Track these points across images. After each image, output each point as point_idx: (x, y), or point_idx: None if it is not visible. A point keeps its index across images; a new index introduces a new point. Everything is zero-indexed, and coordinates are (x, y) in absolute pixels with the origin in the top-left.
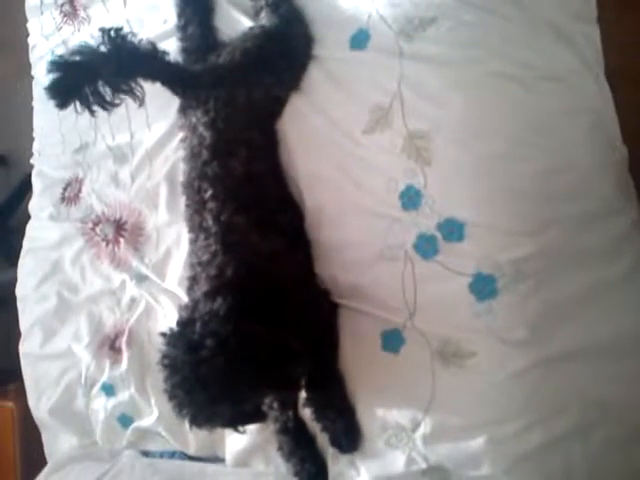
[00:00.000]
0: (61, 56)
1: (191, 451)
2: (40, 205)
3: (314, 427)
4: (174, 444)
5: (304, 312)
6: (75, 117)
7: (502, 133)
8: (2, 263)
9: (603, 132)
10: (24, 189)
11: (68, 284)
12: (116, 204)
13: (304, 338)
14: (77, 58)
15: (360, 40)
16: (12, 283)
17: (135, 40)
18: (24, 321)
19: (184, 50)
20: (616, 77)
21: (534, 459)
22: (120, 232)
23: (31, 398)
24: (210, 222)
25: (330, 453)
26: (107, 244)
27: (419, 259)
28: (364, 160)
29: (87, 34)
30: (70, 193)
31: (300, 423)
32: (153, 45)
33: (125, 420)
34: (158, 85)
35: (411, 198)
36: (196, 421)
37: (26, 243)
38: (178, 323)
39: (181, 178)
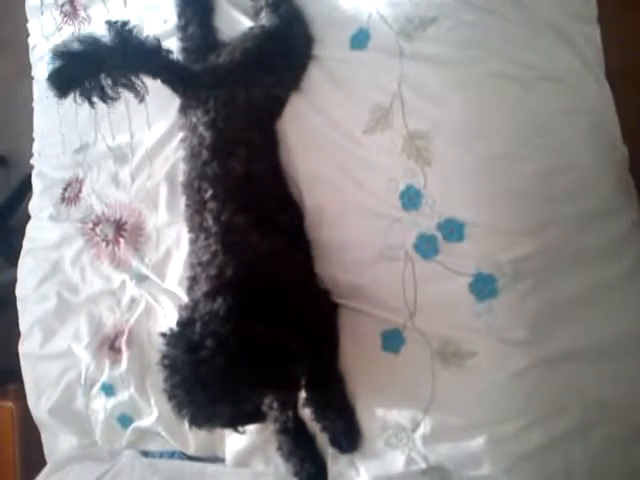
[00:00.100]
0: (65, 44)
1: (191, 451)
2: (40, 205)
3: (314, 427)
4: (174, 444)
5: (304, 312)
6: (75, 117)
7: (502, 133)
8: (2, 263)
9: (603, 132)
10: (24, 189)
11: (68, 284)
12: (116, 204)
13: (304, 338)
14: (82, 48)
15: (360, 40)
16: (12, 283)
17: (141, 35)
18: (24, 321)
19: (184, 50)
20: (617, 77)
21: (534, 459)
22: (120, 232)
23: (31, 398)
24: (210, 222)
25: (330, 453)
26: (107, 244)
27: (419, 259)
28: (364, 160)
29: None
30: (70, 193)
31: (300, 423)
32: (158, 42)
33: (125, 420)
34: (158, 84)
35: (411, 198)
36: (196, 421)
37: (26, 243)
38: (178, 323)
39: (181, 178)
